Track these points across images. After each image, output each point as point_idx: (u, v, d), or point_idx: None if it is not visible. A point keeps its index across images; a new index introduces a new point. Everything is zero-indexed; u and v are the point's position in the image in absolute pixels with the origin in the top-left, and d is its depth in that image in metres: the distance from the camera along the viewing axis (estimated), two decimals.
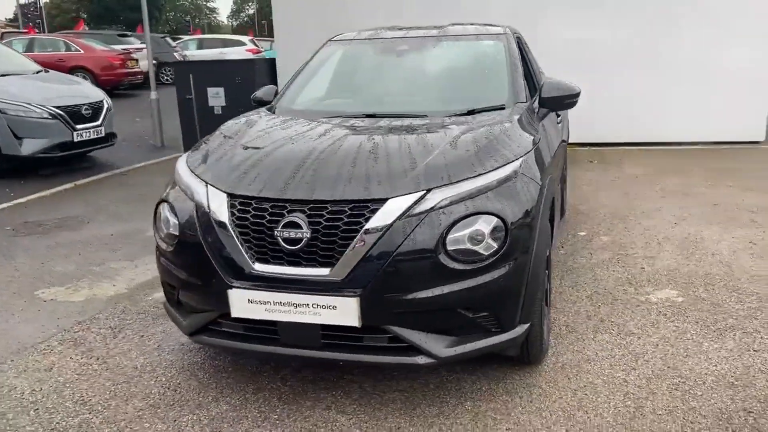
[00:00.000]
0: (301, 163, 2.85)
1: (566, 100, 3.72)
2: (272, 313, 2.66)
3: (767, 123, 9.04)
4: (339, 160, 2.84)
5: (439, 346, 2.63)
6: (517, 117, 3.29)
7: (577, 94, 3.73)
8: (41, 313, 4.08)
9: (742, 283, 4.14)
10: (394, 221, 2.56)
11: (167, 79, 18.47)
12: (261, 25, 63.08)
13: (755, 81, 8.76)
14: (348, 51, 4.32)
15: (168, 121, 10.81)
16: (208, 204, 2.80)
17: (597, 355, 3.28)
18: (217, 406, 2.96)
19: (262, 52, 22.15)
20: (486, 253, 2.60)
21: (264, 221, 2.66)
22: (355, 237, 2.56)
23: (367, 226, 2.55)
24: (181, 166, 3.18)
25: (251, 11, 78.03)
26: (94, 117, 8.56)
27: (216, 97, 9.60)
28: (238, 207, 2.73)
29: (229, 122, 3.68)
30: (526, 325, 2.81)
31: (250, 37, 26.33)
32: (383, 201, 2.59)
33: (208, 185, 2.88)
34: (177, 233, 2.89)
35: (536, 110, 3.67)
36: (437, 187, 2.64)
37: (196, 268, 2.82)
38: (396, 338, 2.63)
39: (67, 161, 8.73)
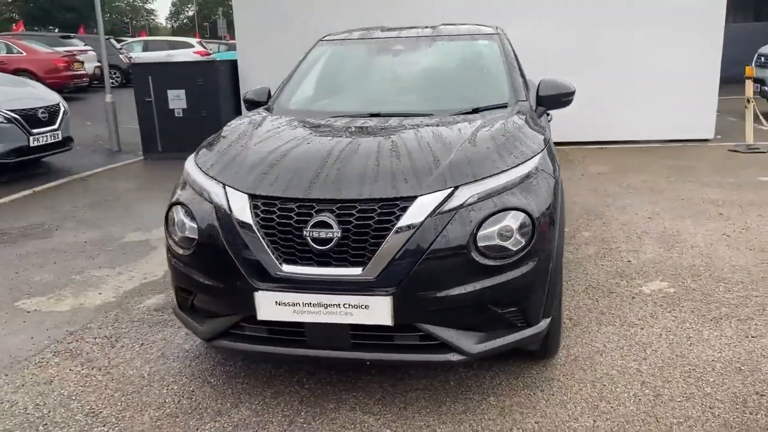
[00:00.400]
0: (323, 163, 2.81)
1: (563, 98, 3.80)
2: (301, 315, 2.62)
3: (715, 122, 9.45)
4: (362, 159, 2.83)
5: (470, 343, 2.64)
6: (524, 115, 3.35)
7: (573, 93, 3.82)
8: (27, 325, 3.90)
9: (725, 273, 4.31)
10: (426, 219, 2.56)
11: (113, 82, 17.93)
12: (203, 26, 62.02)
13: (704, 82, 9.13)
14: (342, 51, 4.30)
15: (121, 124, 10.47)
16: (229, 205, 2.74)
17: (606, 347, 3.36)
18: (238, 412, 2.90)
19: (211, 54, 21.78)
20: (514, 249, 2.63)
21: (291, 221, 2.62)
22: (386, 235, 2.55)
23: (399, 224, 2.55)
24: (192, 168, 3.10)
25: (191, 13, 76.57)
26: (50, 121, 8.23)
27: (177, 100, 9.39)
28: (262, 208, 2.68)
29: (233, 122, 3.60)
30: (549, 319, 2.85)
31: (198, 39, 25.84)
32: (412, 199, 2.59)
33: (226, 186, 2.82)
34: (195, 236, 2.81)
35: (534, 108, 3.74)
36: (464, 184, 2.66)
37: (218, 272, 2.75)
38: (427, 336, 2.63)
39: (23, 167, 8.37)
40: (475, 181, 2.68)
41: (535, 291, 2.75)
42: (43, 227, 6.02)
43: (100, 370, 3.32)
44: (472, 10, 8.93)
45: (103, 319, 3.94)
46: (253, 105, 4.15)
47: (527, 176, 2.79)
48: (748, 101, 8.59)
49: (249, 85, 9.70)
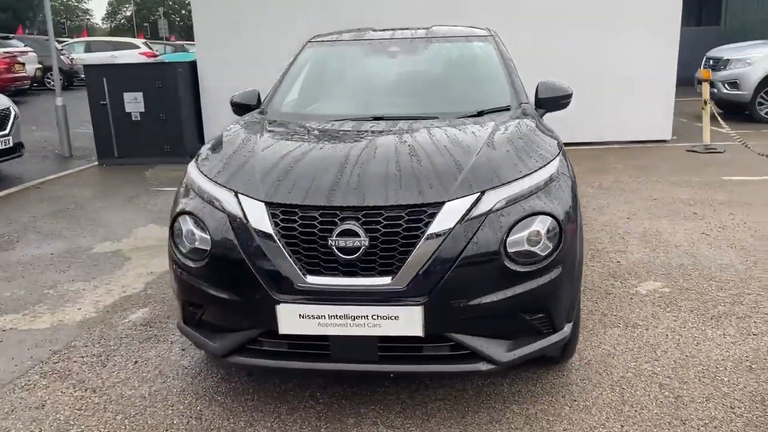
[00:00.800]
0: (341, 168, 2.70)
1: (561, 101, 3.79)
2: (326, 328, 2.50)
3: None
4: (381, 164, 2.73)
5: (500, 351, 2.58)
6: (534, 117, 3.31)
7: (570, 95, 3.81)
8: (5, 345, 3.64)
9: (713, 271, 4.39)
10: (456, 225, 2.48)
11: (53, 84, 17.18)
12: (143, 27, 60.39)
13: (662, 84, 9.38)
14: (336, 52, 4.18)
15: (69, 128, 10.00)
16: (245, 214, 2.60)
17: (616, 350, 3.36)
18: (254, 431, 2.75)
19: (157, 55, 21.16)
20: (543, 254, 2.58)
21: (315, 230, 2.50)
22: (415, 243, 2.46)
23: (430, 231, 2.46)
24: (197, 175, 2.93)
25: (128, 13, 74.53)
26: (1, 126, 7.79)
27: (134, 103, 9.06)
28: (281, 217, 2.55)
29: (232, 128, 3.44)
30: (571, 324, 2.82)
31: (143, 40, 25.08)
32: (440, 205, 2.51)
33: (239, 194, 2.67)
34: (207, 247, 2.65)
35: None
36: (490, 188, 2.59)
37: (235, 284, 2.60)
38: (457, 346, 2.55)
39: None
40: (501, 185, 2.62)
41: (562, 296, 2.70)
42: (3, 239, 5.67)
43: (95, 391, 3.11)
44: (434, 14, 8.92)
45: (88, 336, 3.71)
46: (241, 108, 3.99)
47: (550, 179, 2.75)
48: (705, 103, 8.85)
49: (209, 87, 9.47)
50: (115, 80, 9.03)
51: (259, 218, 2.57)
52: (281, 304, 2.51)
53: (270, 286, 2.52)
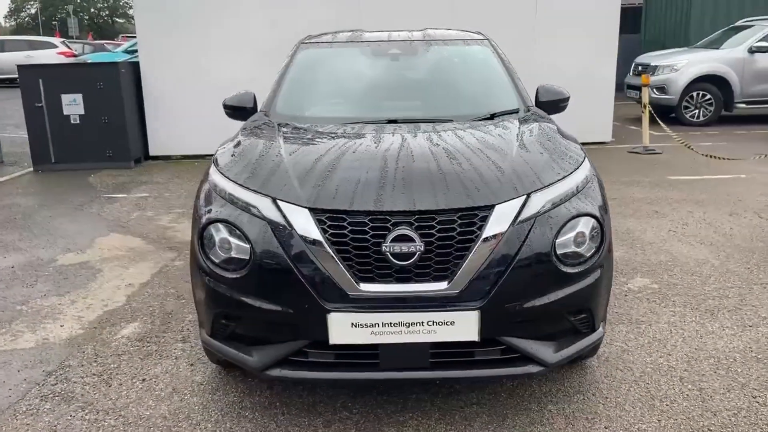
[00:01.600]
0: (381, 172, 2.64)
1: (560, 104, 3.87)
2: (378, 336, 2.44)
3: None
4: (422, 167, 2.68)
5: (548, 353, 2.59)
6: (549, 120, 3.35)
7: (568, 98, 3.90)
8: None
9: (692, 267, 4.59)
10: (508, 228, 2.47)
11: None
12: (51, 26, 57.38)
13: (602, 88, 9.74)
14: (335, 54, 4.08)
15: None
16: (287, 221, 2.49)
17: (628, 345, 3.45)
18: None
19: (77, 55, 20.12)
20: (587, 255, 2.62)
21: (367, 236, 2.43)
22: (469, 246, 2.44)
23: (484, 234, 2.44)
24: (223, 180, 2.78)
25: (33, 10, 70.68)
26: None
27: (73, 105, 8.56)
28: (329, 223, 2.47)
29: (248, 132, 3.28)
30: (604, 323, 2.87)
31: (61, 39, 23.76)
32: (490, 208, 2.50)
33: (278, 200, 2.56)
34: (247, 257, 2.53)
35: None
36: (535, 191, 2.60)
37: (282, 294, 2.49)
38: (508, 349, 2.54)
39: None
40: (544, 187, 2.63)
41: (603, 296, 2.75)
42: None
43: (107, 413, 2.91)
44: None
45: (81, 355, 3.47)
46: (236, 111, 3.83)
47: (586, 181, 2.79)
48: (645, 107, 9.28)
49: (153, 88, 9.09)
50: (51, 81, 8.50)
51: (305, 225, 2.47)
52: (333, 313, 2.42)
53: (321, 294, 2.43)
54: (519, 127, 3.17)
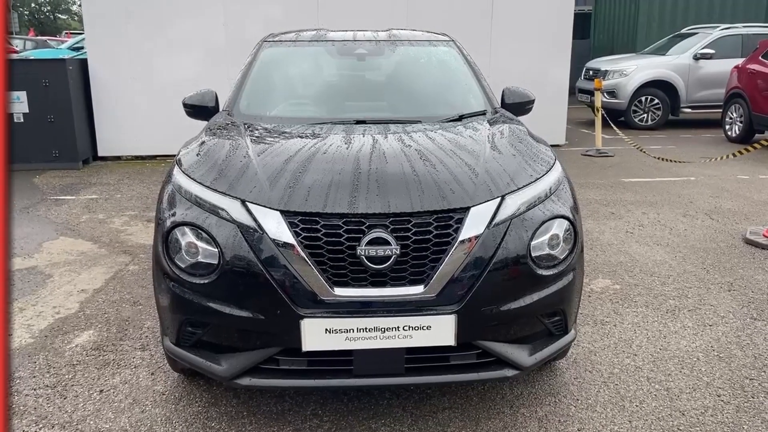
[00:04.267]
0: (355, 174, 2.58)
1: (526, 106, 3.87)
2: (354, 342, 2.38)
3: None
4: (395, 169, 2.63)
5: (523, 356, 2.57)
6: (518, 122, 3.35)
7: (533, 101, 3.90)
8: None
9: (651, 267, 4.68)
10: (484, 231, 2.44)
11: None
12: None
13: (556, 92, 9.91)
14: (299, 53, 3.98)
15: None
16: (258, 224, 2.41)
17: (595, 347, 3.47)
18: None
19: (18, 51, 19.30)
20: (561, 257, 2.61)
21: (341, 240, 2.36)
22: (445, 250, 2.40)
23: (461, 237, 2.41)
24: (187, 182, 2.67)
25: None
26: None
27: (16, 103, 8.20)
28: (302, 226, 2.39)
29: (212, 132, 3.16)
30: (575, 325, 2.87)
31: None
32: (466, 210, 2.46)
33: (247, 203, 2.47)
34: (215, 261, 2.43)
35: None
36: (509, 193, 2.58)
37: (253, 300, 2.40)
38: (483, 353, 2.51)
39: None
40: (518, 189, 2.61)
41: (575, 298, 2.75)
42: None
43: (63, 427, 2.75)
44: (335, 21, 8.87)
45: (32, 365, 3.29)
46: (196, 110, 3.70)
47: (558, 182, 2.79)
48: (597, 110, 9.46)
49: (102, 86, 8.79)
50: None
51: (276, 228, 2.39)
52: (306, 319, 2.35)
53: (294, 300, 2.35)
54: (489, 129, 3.15)
